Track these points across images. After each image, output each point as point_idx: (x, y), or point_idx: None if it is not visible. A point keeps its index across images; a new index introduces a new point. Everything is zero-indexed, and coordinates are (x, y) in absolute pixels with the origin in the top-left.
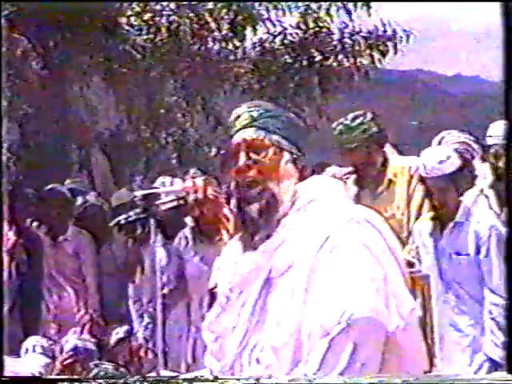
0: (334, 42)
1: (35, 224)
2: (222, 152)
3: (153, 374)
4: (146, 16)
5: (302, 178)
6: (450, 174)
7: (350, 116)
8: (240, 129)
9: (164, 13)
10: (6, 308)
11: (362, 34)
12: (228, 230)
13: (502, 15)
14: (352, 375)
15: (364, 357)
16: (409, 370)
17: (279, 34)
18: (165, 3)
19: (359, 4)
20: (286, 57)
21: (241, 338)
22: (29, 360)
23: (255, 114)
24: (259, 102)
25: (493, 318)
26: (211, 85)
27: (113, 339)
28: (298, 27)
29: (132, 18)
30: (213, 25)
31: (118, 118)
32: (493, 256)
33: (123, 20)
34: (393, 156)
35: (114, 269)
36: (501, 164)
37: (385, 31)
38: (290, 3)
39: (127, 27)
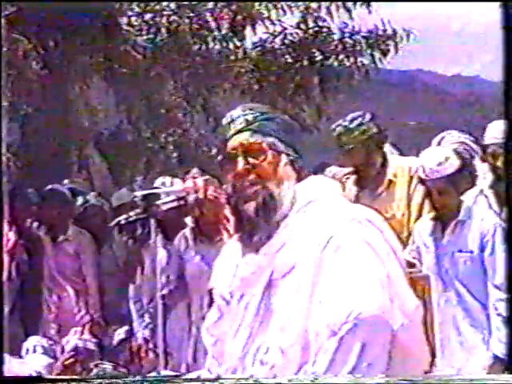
0: (335, 42)
1: (35, 224)
2: (219, 156)
3: (153, 374)
4: (146, 16)
5: (299, 180)
6: (449, 175)
7: (349, 117)
8: (235, 133)
9: (164, 13)
10: (6, 308)
11: (362, 34)
12: (228, 231)
13: (502, 15)
14: (360, 375)
15: (371, 356)
16: (411, 368)
17: (279, 33)
18: (165, 3)
19: (359, 3)
20: (287, 57)
21: (244, 340)
22: (29, 360)
23: (250, 117)
24: (253, 105)
25: (499, 314)
26: (211, 85)
27: (115, 339)
28: (299, 27)
29: (132, 18)
30: (213, 24)
31: (118, 118)
32: (497, 253)
33: (123, 20)
34: (392, 156)
35: (115, 269)
36: (499, 164)
37: (385, 30)
38: (290, 3)
39: (127, 27)
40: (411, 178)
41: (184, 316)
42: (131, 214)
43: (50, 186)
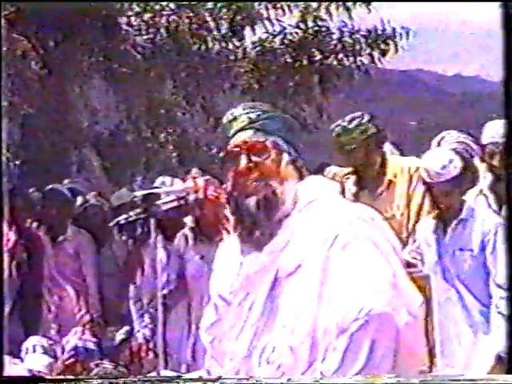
0: (334, 41)
1: (35, 224)
2: (220, 154)
3: (153, 373)
4: (146, 16)
5: (301, 179)
6: (453, 177)
7: (348, 118)
8: (238, 130)
9: (164, 13)
10: (6, 308)
11: (361, 33)
12: (228, 231)
13: (502, 15)
14: (369, 373)
15: (380, 353)
16: (411, 366)
17: (279, 33)
18: (164, 3)
19: (358, 3)
20: (286, 56)
21: (249, 339)
22: (29, 360)
23: (253, 115)
24: (255, 104)
25: (499, 313)
26: (211, 84)
27: (116, 339)
28: (298, 26)
29: (132, 18)
30: (212, 24)
31: (118, 118)
32: (499, 251)
33: (123, 20)
34: (392, 156)
35: (115, 269)
36: (495, 163)
37: (384, 30)
38: (289, 3)
39: (127, 27)
40: (411, 177)
41: (184, 316)
42: (131, 213)
43: (49, 186)
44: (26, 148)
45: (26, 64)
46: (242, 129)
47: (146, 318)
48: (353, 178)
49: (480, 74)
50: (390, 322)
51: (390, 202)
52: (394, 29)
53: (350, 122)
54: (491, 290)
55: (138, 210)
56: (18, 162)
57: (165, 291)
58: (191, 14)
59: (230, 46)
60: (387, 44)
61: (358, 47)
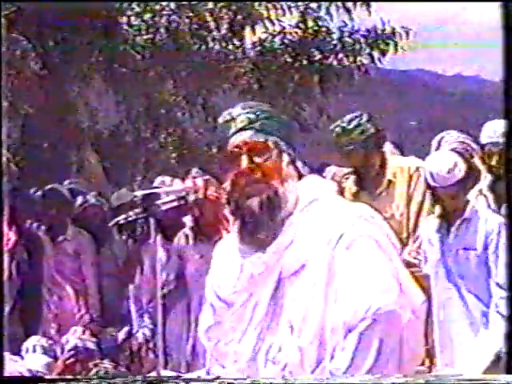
0: (334, 41)
1: (35, 224)
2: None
3: (153, 373)
4: (146, 16)
5: (300, 179)
6: (458, 180)
7: (347, 118)
8: (237, 131)
9: (164, 13)
10: (6, 308)
11: (361, 33)
12: (228, 231)
13: (502, 15)
14: (378, 372)
15: (388, 352)
16: (412, 366)
17: (279, 33)
18: (164, 3)
19: (358, 3)
20: (286, 56)
21: (254, 340)
22: (29, 359)
23: (252, 116)
24: (253, 103)
25: (498, 312)
26: (211, 84)
27: (118, 340)
28: (298, 27)
29: (132, 18)
30: (212, 25)
31: (118, 118)
32: (501, 251)
33: (123, 20)
34: (392, 156)
35: (114, 269)
36: (494, 163)
37: (384, 30)
38: (289, 3)
39: (127, 27)
40: (411, 177)
41: (184, 316)
42: (131, 213)
43: (49, 186)
44: (26, 148)
45: (25, 64)
46: (241, 129)
47: (146, 318)
48: (353, 177)
49: (480, 74)
50: (396, 321)
51: (389, 201)
52: (393, 29)
53: (349, 122)
54: (492, 290)
55: (138, 210)
56: (18, 162)
57: (164, 291)
58: (191, 14)
59: (230, 46)
60: (387, 44)
61: (357, 47)
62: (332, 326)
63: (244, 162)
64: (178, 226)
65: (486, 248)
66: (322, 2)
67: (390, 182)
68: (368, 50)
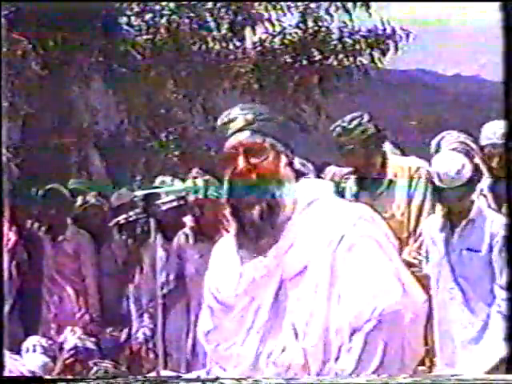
0: (334, 42)
1: (35, 224)
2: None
3: (153, 374)
4: (146, 16)
5: (297, 181)
6: (466, 181)
7: (348, 118)
8: (235, 131)
9: (164, 13)
10: (6, 308)
11: (361, 33)
12: (228, 231)
13: (502, 15)
14: (383, 372)
15: (393, 352)
16: (413, 365)
17: (279, 33)
18: (164, 3)
19: (358, 3)
20: (286, 56)
21: (257, 343)
22: (29, 359)
23: (250, 116)
24: (252, 105)
25: (499, 312)
26: (211, 84)
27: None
28: (298, 27)
29: (132, 18)
30: (212, 24)
31: (118, 118)
32: (504, 253)
33: (123, 20)
34: (393, 156)
35: (114, 269)
36: (494, 164)
37: (384, 30)
38: (289, 3)
39: (127, 27)
40: (411, 177)
41: (183, 316)
42: (131, 213)
43: (49, 186)
44: (25, 148)
45: (26, 64)
46: (238, 130)
47: (146, 318)
48: (353, 177)
49: (480, 74)
50: (400, 321)
51: (390, 202)
52: (393, 29)
53: (350, 122)
54: (495, 292)
55: (138, 210)
56: (18, 162)
57: (164, 291)
58: (191, 14)
59: (230, 46)
60: (387, 44)
61: (357, 47)
62: (336, 328)
63: (241, 162)
64: (178, 225)
65: (490, 249)
66: (322, 2)
67: (390, 181)
68: (368, 51)
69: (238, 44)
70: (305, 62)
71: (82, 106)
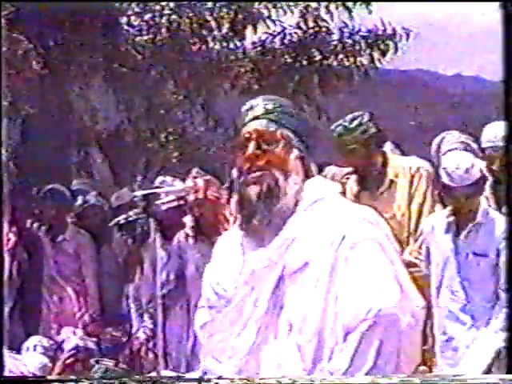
0: (334, 42)
1: (35, 224)
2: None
3: (153, 373)
4: (146, 16)
5: (307, 177)
6: (475, 180)
7: (348, 117)
8: (252, 119)
9: (164, 12)
10: (6, 308)
11: (361, 34)
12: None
13: (502, 15)
14: (376, 373)
15: (387, 354)
16: (410, 368)
17: (279, 33)
18: (164, 3)
19: (358, 3)
20: (286, 56)
21: (253, 336)
22: (29, 359)
23: (270, 106)
24: (276, 97)
25: (500, 312)
26: (211, 84)
27: (120, 338)
28: (298, 27)
29: (132, 18)
30: (213, 24)
31: (118, 118)
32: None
33: (123, 20)
34: (393, 156)
35: (114, 269)
36: (495, 167)
37: (384, 30)
38: (289, 3)
39: (127, 27)
40: (412, 177)
41: (183, 315)
42: (131, 213)
43: (49, 186)
44: (26, 148)
45: (26, 64)
46: (256, 117)
47: (146, 318)
48: (354, 177)
49: (480, 74)
50: (395, 324)
51: (391, 202)
52: (394, 29)
53: (351, 121)
54: (499, 295)
55: (138, 210)
56: (18, 162)
57: (164, 291)
58: (192, 14)
59: (231, 46)
60: (387, 44)
61: (357, 48)
62: (332, 327)
63: (251, 147)
64: (177, 225)
65: (498, 253)
66: (322, 2)
67: (391, 181)
68: (368, 51)
69: (238, 44)
70: (305, 62)
71: (82, 106)
